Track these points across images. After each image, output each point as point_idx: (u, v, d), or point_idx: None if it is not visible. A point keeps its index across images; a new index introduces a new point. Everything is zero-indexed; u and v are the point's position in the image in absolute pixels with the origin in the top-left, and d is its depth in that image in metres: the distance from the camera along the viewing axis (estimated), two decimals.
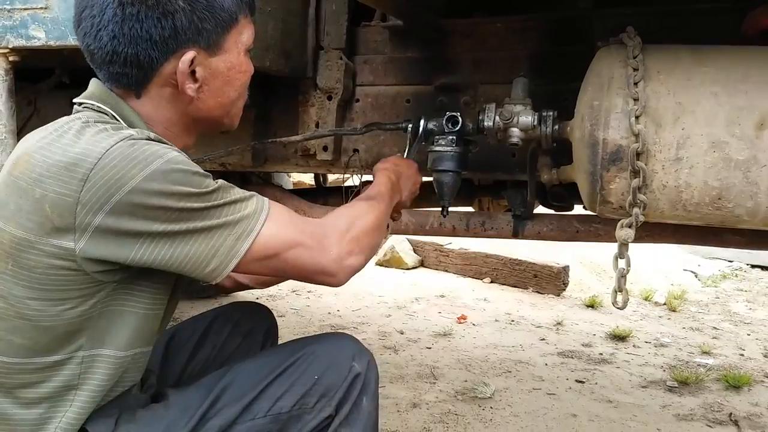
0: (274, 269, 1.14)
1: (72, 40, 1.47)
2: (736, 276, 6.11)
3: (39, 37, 1.52)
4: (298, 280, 1.21)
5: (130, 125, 1.13)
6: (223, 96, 1.21)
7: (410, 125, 1.66)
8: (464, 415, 2.71)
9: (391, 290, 4.81)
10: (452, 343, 3.69)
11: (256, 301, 1.55)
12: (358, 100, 1.99)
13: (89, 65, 1.17)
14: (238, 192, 1.12)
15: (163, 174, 1.02)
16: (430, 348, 3.58)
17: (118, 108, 1.15)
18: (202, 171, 1.07)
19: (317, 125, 1.94)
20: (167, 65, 1.13)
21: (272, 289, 4.51)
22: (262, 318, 1.56)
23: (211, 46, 1.15)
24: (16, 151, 1.12)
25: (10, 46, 1.56)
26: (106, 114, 1.14)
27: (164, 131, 1.17)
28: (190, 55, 1.13)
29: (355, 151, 1.99)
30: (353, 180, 2.14)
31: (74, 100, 1.19)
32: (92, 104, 1.15)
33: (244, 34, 1.20)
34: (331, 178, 2.87)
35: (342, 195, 2.08)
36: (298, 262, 1.15)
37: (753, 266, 6.38)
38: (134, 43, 1.10)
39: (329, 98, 1.92)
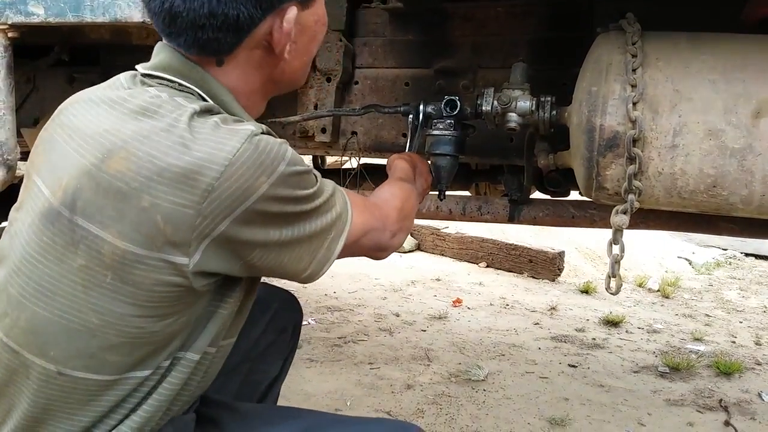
0: (346, 254, 1.10)
1: (72, 17, 1.46)
2: (730, 264, 6.13)
3: (38, 14, 1.50)
4: (354, 257, 1.20)
5: (223, 106, 0.99)
6: (308, 53, 1.10)
7: (409, 109, 1.65)
8: (457, 397, 2.73)
9: (388, 273, 4.82)
10: (447, 326, 3.71)
11: (288, 290, 1.54)
12: (357, 83, 1.98)
13: (160, 32, 1.01)
14: (325, 183, 1.04)
15: (287, 178, 0.93)
16: (425, 330, 3.60)
17: (206, 85, 1.00)
18: (308, 166, 0.98)
19: (316, 107, 1.92)
20: (263, 25, 0.99)
21: None
22: (295, 313, 1.51)
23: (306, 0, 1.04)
24: (95, 139, 0.93)
25: (9, 22, 1.54)
26: (191, 93, 0.99)
27: (246, 102, 1.05)
28: (294, 11, 1.00)
29: (354, 133, 1.98)
30: (351, 162, 2.13)
31: (141, 71, 1.02)
32: (171, 80, 0.99)
33: None
34: (330, 160, 2.87)
35: (340, 177, 2.07)
36: (366, 244, 1.15)
37: (747, 254, 6.40)
38: (237, 3, 0.95)
39: (328, 80, 1.91)
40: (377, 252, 1.21)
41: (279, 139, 0.96)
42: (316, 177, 1.01)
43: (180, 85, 0.99)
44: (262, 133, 0.95)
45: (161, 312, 0.94)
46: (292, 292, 1.54)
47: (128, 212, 0.89)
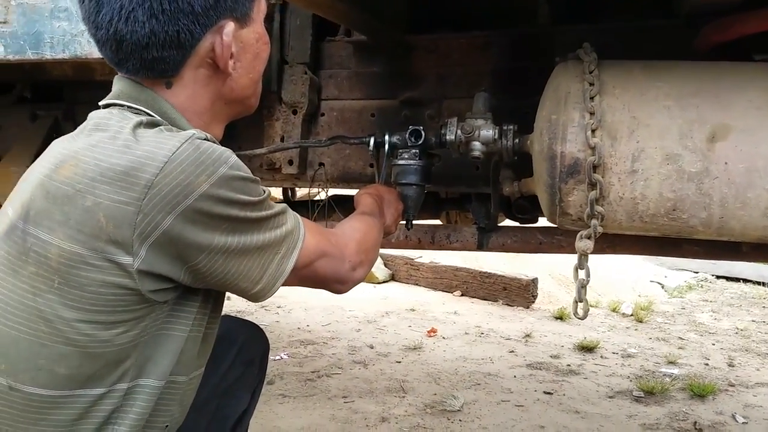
0: (299, 279, 1.11)
1: (31, 54, 1.46)
2: (702, 287, 6.22)
3: None
4: (310, 287, 1.21)
5: (172, 123, 1.03)
6: (254, 71, 1.14)
7: (372, 140, 1.67)
8: (433, 429, 2.71)
9: (362, 304, 4.81)
10: (422, 357, 3.70)
11: (252, 321, 1.53)
12: (323, 114, 2.00)
13: (110, 61, 1.06)
14: (277, 204, 1.07)
15: (228, 180, 0.96)
16: (399, 362, 3.59)
17: (156, 105, 1.05)
18: (253, 176, 1.02)
19: (282, 139, 1.94)
20: (204, 42, 1.04)
21: (241, 304, 4.49)
22: (261, 344, 1.49)
23: (243, 17, 1.08)
24: (54, 155, 1.00)
25: None
26: (140, 113, 1.03)
27: (198, 123, 1.08)
28: (231, 26, 1.05)
29: (321, 164, 2.00)
30: (321, 195, 2.14)
31: (101, 103, 1.09)
32: (123, 104, 1.05)
33: (263, 1, 1.14)
34: (300, 192, 2.88)
35: (309, 209, 2.08)
36: (322, 270, 1.15)
37: (718, 277, 6.50)
38: (175, 19, 1.00)
39: (294, 112, 1.93)
40: (335, 284, 1.21)
41: (227, 150, 0.99)
42: (264, 190, 1.03)
43: (130, 107, 1.04)
44: (206, 139, 0.98)
45: (110, 318, 0.95)
46: (265, 326, 1.53)
47: (73, 213, 0.93)
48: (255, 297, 1.05)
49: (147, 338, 1.00)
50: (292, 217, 1.09)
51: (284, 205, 1.09)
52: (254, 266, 1.02)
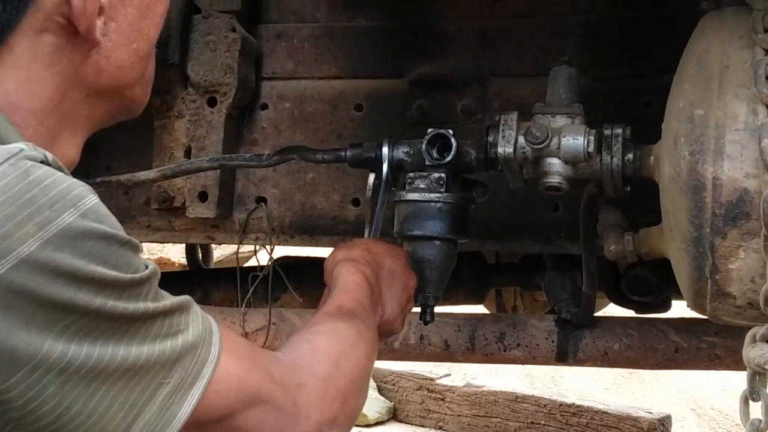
0: None
1: None
2: None
3: None
4: None
5: None
6: (141, 37, 1.20)
7: (363, 154, 1.67)
8: None
9: None
10: None
11: None
12: (266, 107, 2.03)
13: None
14: (165, 293, 1.08)
15: (77, 238, 0.96)
16: None
17: None
18: (126, 236, 1.03)
19: (189, 153, 1.95)
20: None
21: None
22: None
23: None
24: None
25: None
26: None
27: (36, 131, 1.13)
28: None
29: (261, 201, 2.01)
30: (258, 257, 2.13)
31: None
32: None
33: None
34: (221, 251, 2.87)
35: (237, 285, 2.06)
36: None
37: None
38: None
39: (211, 102, 1.94)
40: None
41: (79, 184, 0.99)
42: (146, 264, 1.04)
43: None
44: (44, 161, 0.99)
45: None
46: None
47: None
48: None
49: None
50: (200, 321, 1.10)
51: (186, 297, 1.10)
52: (112, 406, 0.99)
